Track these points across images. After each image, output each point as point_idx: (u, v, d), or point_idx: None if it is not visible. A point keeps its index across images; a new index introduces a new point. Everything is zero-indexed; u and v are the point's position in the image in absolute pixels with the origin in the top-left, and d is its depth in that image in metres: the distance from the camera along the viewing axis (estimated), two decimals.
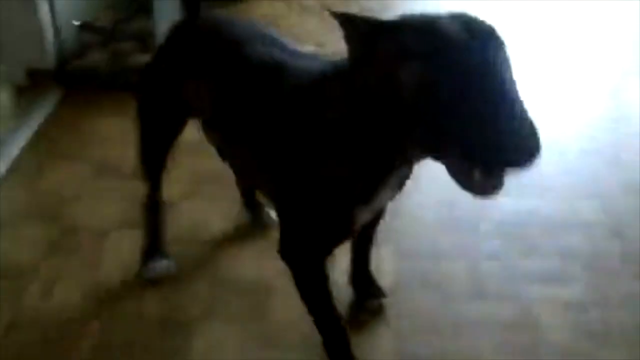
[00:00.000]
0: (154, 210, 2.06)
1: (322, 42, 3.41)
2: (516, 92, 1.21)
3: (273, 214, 2.24)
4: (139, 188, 2.33)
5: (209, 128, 1.81)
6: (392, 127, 1.29)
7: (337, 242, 1.59)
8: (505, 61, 1.23)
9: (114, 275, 2.08)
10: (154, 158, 2.01)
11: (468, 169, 1.23)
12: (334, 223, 1.52)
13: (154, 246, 2.07)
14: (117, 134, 2.72)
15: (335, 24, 1.30)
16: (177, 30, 1.86)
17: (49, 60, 3.01)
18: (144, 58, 2.96)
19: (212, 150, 2.43)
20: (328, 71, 1.44)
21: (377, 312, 1.93)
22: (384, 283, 1.93)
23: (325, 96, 1.42)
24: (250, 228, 2.25)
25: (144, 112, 1.93)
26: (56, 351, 1.84)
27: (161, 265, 2.06)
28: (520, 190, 2.35)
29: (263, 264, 2.10)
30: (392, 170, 1.45)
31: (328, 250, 1.59)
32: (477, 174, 1.23)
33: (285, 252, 1.61)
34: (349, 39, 1.31)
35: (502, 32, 1.25)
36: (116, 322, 1.92)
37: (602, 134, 2.81)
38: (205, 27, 1.79)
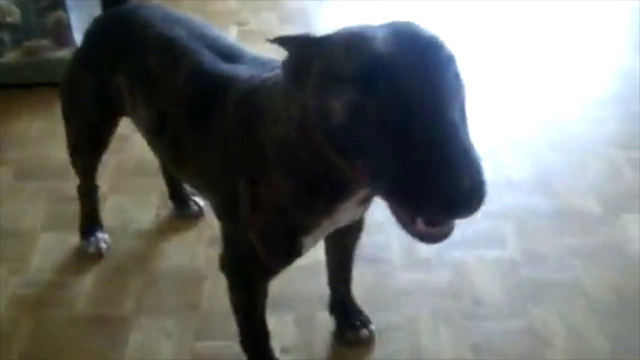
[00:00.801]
0: (89, 192, 2.07)
1: (244, 21, 3.37)
2: (462, 122, 1.04)
3: (200, 201, 2.20)
4: (63, 187, 2.29)
5: (139, 126, 1.70)
6: (328, 157, 1.16)
7: (278, 266, 1.46)
8: (451, 81, 1.06)
9: (42, 278, 2.02)
10: (84, 157, 1.97)
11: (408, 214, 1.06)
12: (274, 247, 1.40)
13: (92, 222, 2.10)
14: (37, 134, 2.64)
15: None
16: (99, 24, 1.79)
17: None
18: (61, 53, 2.90)
19: (137, 143, 2.40)
20: (269, 86, 1.32)
21: (366, 343, 1.79)
22: (315, 258, 1.89)
23: (267, 114, 1.29)
24: (178, 218, 2.21)
25: (69, 111, 1.87)
26: None
27: (102, 238, 2.10)
28: None
29: (194, 254, 2.07)
30: (338, 200, 1.30)
31: (267, 273, 1.48)
32: (419, 221, 1.06)
33: (225, 265, 1.52)
34: (285, 60, 1.20)
35: (451, 44, 1.10)
36: (46, 327, 1.87)
37: (530, 92, 2.84)
38: (130, 19, 1.70)
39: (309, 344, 1.80)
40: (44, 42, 2.96)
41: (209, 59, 1.52)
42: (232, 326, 1.62)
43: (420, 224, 1.06)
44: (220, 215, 1.49)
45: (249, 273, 1.49)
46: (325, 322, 1.84)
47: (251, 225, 1.38)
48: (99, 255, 2.07)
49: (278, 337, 1.76)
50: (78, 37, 2.92)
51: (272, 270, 1.48)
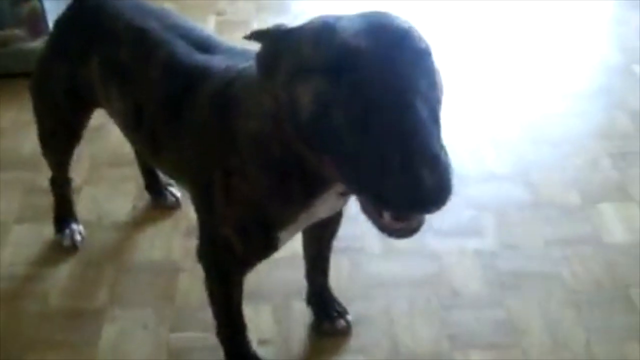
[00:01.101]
0: (62, 185, 2.04)
1: (222, 11, 3.34)
2: (432, 119, 1.01)
3: (177, 192, 2.18)
4: (36, 179, 2.26)
5: (114, 117, 1.67)
6: (298, 150, 1.14)
7: (254, 259, 1.44)
8: (422, 76, 1.03)
9: (15, 271, 1.99)
10: (56, 150, 1.94)
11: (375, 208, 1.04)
12: (249, 241, 1.38)
13: (66, 214, 2.08)
14: (9, 125, 2.60)
15: None
16: (70, 14, 1.75)
17: None
18: (35, 43, 2.86)
19: (111, 133, 2.37)
20: (244, 77, 1.30)
21: (342, 334, 1.79)
22: (292, 249, 1.87)
23: (241, 106, 1.28)
24: (154, 209, 2.19)
25: (40, 103, 1.83)
26: None
27: (76, 230, 2.07)
28: None
29: (170, 246, 2.05)
30: (315, 194, 1.28)
31: (244, 266, 1.47)
32: (386, 215, 1.04)
33: (201, 257, 1.49)
34: (257, 53, 1.18)
35: (434, 40, 1.05)
36: (20, 320, 1.84)
37: (510, 86, 2.83)
38: (101, 8, 1.66)
39: (286, 336, 1.78)
40: (18, 32, 2.91)
41: (183, 50, 1.49)
42: (208, 318, 1.61)
43: (387, 218, 1.04)
44: (197, 207, 1.47)
45: (224, 266, 1.47)
46: (302, 313, 1.83)
47: (226, 219, 1.36)
48: (73, 247, 2.04)
49: (255, 328, 1.75)
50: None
51: (248, 263, 1.46)
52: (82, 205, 2.19)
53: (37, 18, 2.89)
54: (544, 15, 3.31)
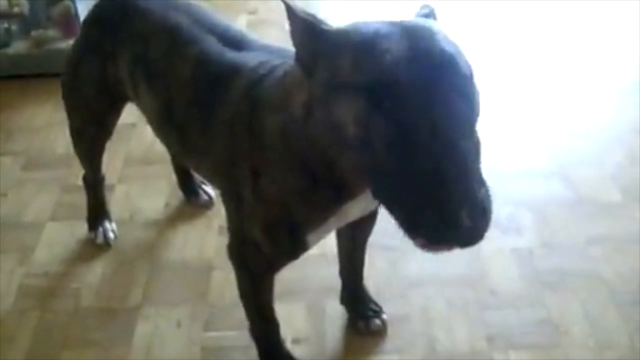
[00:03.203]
0: (94, 183, 2.03)
1: (255, 9, 3.33)
2: (475, 149, 0.99)
3: (210, 191, 2.16)
4: (69, 177, 2.26)
5: (145, 113, 1.66)
6: (331, 159, 1.13)
7: (283, 260, 1.42)
8: (467, 102, 1.01)
9: (49, 269, 1.99)
10: (88, 146, 1.92)
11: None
12: (278, 243, 1.35)
13: (99, 213, 2.07)
14: (43, 124, 2.61)
15: None
16: (98, 10, 1.74)
17: None
18: (68, 43, 2.86)
19: (145, 131, 2.36)
20: (276, 76, 1.27)
21: (377, 333, 1.75)
22: (326, 247, 1.84)
23: (270, 105, 1.25)
24: (187, 208, 2.17)
25: (71, 100, 1.82)
26: None
27: (109, 228, 2.07)
28: None
29: (203, 245, 2.04)
30: (345, 199, 1.25)
31: (272, 266, 1.44)
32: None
33: (231, 256, 1.47)
34: (292, 38, 1.14)
35: (471, 54, 1.02)
36: (53, 318, 1.84)
37: (547, 80, 2.78)
38: (129, 4, 1.65)
39: (320, 335, 1.76)
40: (51, 32, 2.94)
41: (214, 46, 1.47)
42: (241, 316, 1.59)
43: (419, 239, 1.01)
44: (226, 206, 1.44)
45: (253, 265, 1.45)
46: (337, 312, 1.80)
47: (254, 219, 1.34)
48: (106, 245, 2.04)
49: (289, 327, 1.72)
50: None
51: (276, 264, 1.43)
52: (115, 203, 2.19)
53: (70, 18, 2.90)
54: (582, 12, 3.25)
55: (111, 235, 2.06)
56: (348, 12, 3.30)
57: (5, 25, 2.93)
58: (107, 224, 2.07)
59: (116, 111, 1.82)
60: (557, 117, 2.54)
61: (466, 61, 1.05)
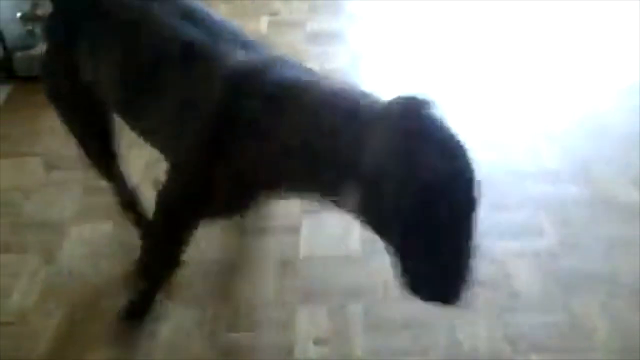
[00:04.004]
0: (129, 205, 2.00)
1: (277, 11, 3.35)
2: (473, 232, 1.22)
3: None
4: (92, 178, 2.27)
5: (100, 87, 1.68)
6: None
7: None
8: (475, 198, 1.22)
9: (74, 269, 2.01)
10: (95, 152, 1.92)
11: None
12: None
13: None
14: None
15: None
16: (53, 13, 1.77)
17: None
18: None
19: None
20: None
21: None
22: (347, 249, 1.84)
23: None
24: None
25: (60, 107, 1.83)
26: (17, 348, 1.78)
27: None
28: (482, 144, 2.31)
29: (226, 245, 2.05)
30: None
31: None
32: None
33: (162, 206, 1.59)
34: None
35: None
36: (78, 319, 1.86)
37: (564, 82, 2.77)
38: None
39: (343, 336, 1.76)
40: None
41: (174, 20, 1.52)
42: (263, 318, 1.60)
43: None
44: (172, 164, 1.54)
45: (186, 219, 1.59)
46: (359, 313, 1.80)
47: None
48: None
49: (312, 328, 1.74)
50: None
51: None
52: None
53: None
54: (599, 11, 3.23)
55: None
56: (374, 10, 3.30)
57: (29, 27, 2.96)
58: None
59: (102, 106, 1.77)
60: (575, 116, 2.54)
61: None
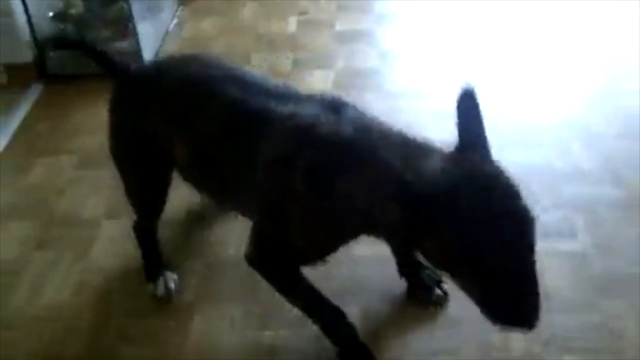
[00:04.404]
0: (147, 234, 1.98)
1: (305, 10, 3.36)
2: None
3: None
4: None
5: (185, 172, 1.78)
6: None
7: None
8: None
9: (105, 266, 2.04)
10: (144, 204, 1.94)
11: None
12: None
13: (156, 262, 1.96)
14: (98, 123, 2.62)
15: None
16: (121, 88, 1.86)
17: (27, 54, 2.95)
18: (123, 44, 2.92)
19: None
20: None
21: (438, 304, 1.82)
22: (379, 249, 1.83)
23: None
24: None
25: (123, 165, 1.88)
26: (52, 343, 1.81)
27: (170, 277, 1.93)
28: (516, 144, 2.30)
29: None
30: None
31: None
32: None
33: (259, 262, 1.63)
34: None
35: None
36: (109, 316, 1.88)
37: (595, 81, 2.75)
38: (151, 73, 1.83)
39: (374, 335, 1.76)
40: (106, 33, 2.99)
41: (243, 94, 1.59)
42: (294, 315, 1.60)
43: None
44: (260, 224, 1.59)
45: (283, 266, 1.59)
46: (390, 313, 1.80)
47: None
48: (168, 297, 1.90)
49: None
50: (140, 28, 2.94)
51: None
52: (170, 201, 2.21)
53: (124, 19, 2.95)
54: (628, 11, 3.20)
55: (172, 285, 1.91)
56: (403, 9, 3.30)
57: (62, 26, 3.00)
58: (167, 273, 1.93)
59: (164, 171, 1.83)
60: (607, 117, 2.52)
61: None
